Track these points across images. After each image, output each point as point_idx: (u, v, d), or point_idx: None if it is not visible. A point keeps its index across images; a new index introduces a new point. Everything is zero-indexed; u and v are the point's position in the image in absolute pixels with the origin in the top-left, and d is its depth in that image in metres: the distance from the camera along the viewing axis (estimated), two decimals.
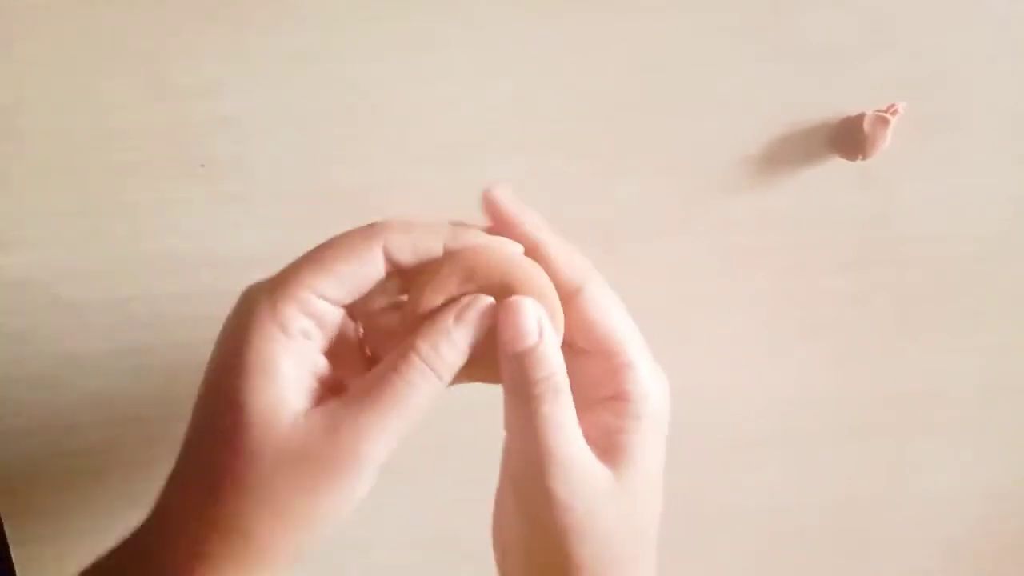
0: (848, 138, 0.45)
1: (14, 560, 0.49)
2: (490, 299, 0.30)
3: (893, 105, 0.44)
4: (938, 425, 0.53)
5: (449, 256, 0.30)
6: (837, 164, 0.46)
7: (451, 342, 0.29)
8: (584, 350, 0.32)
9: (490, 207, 0.32)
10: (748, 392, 0.51)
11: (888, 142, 0.44)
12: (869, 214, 0.48)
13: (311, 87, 0.42)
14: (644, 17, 0.43)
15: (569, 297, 0.31)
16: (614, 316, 0.32)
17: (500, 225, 0.32)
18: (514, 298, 0.29)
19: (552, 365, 0.30)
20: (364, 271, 0.29)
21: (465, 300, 0.30)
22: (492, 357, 0.31)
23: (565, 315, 0.31)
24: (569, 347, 0.31)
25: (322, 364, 0.30)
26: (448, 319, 0.29)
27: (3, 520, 0.48)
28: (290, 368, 0.28)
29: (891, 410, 0.52)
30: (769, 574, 0.56)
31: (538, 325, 0.29)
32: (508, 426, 0.31)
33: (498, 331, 0.30)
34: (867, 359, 0.51)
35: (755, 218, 0.47)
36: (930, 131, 0.46)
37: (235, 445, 0.27)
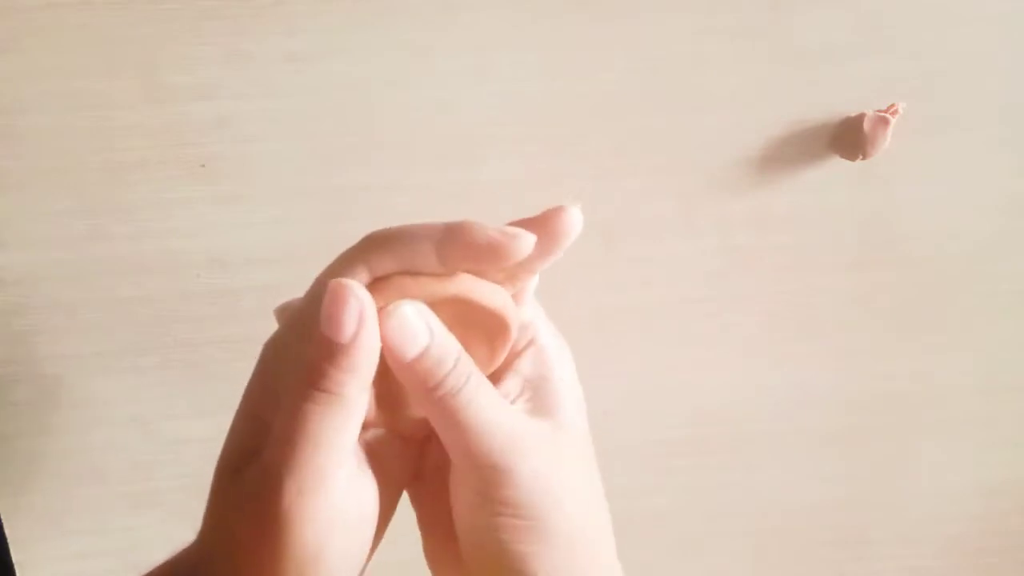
0: (848, 138, 0.45)
1: (14, 560, 0.49)
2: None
3: (893, 105, 0.44)
4: (938, 425, 0.53)
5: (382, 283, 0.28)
6: (837, 164, 0.46)
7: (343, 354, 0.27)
8: None
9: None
10: (748, 392, 0.51)
11: (888, 142, 0.44)
12: (869, 214, 0.48)
13: (311, 88, 0.42)
14: (644, 18, 0.43)
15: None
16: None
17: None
18: (391, 306, 0.27)
19: (451, 356, 0.28)
20: (354, 435, 0.28)
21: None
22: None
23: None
24: None
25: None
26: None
27: (3, 520, 0.48)
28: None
29: (891, 410, 0.52)
30: (769, 573, 0.56)
31: (425, 323, 0.28)
32: (441, 437, 0.29)
33: (385, 340, 0.27)
34: (867, 359, 0.51)
35: (755, 218, 0.47)
36: (930, 131, 0.46)
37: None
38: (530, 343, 0.31)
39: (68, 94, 0.41)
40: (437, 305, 0.29)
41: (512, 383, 0.30)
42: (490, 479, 0.28)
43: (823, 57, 0.44)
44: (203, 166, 0.43)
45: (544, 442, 0.29)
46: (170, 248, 0.44)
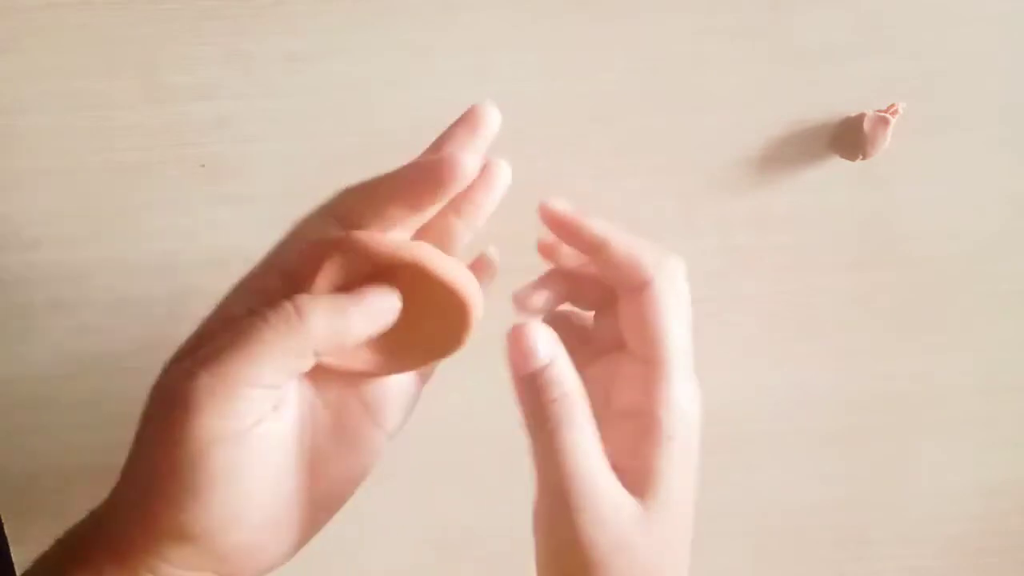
0: (848, 138, 0.45)
1: (14, 560, 0.49)
2: (394, 291, 0.29)
3: (893, 105, 0.44)
4: (938, 425, 0.53)
5: (346, 240, 0.28)
6: (837, 164, 0.46)
7: (342, 313, 0.28)
8: (630, 350, 0.31)
9: (549, 219, 0.31)
10: (748, 392, 0.51)
11: (888, 142, 0.44)
12: (869, 214, 0.48)
13: (311, 88, 0.42)
14: (644, 18, 0.43)
15: (633, 293, 0.30)
16: (668, 321, 0.30)
17: (563, 233, 0.31)
18: (523, 322, 0.29)
19: (566, 383, 0.29)
20: (297, 367, 0.28)
21: (368, 290, 0.29)
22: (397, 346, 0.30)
23: (626, 310, 0.30)
24: (615, 341, 0.31)
25: (281, 431, 0.29)
26: (343, 297, 0.28)
27: (3, 520, 0.48)
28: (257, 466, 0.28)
29: (891, 410, 0.52)
30: (769, 573, 0.56)
31: (548, 345, 0.28)
32: (532, 453, 0.30)
33: (507, 355, 0.29)
34: (867, 359, 0.51)
35: (755, 218, 0.47)
36: (930, 131, 0.46)
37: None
38: (650, 408, 0.30)
39: (68, 94, 0.41)
40: (396, 271, 0.29)
41: (615, 441, 0.29)
42: (563, 530, 0.28)
43: (823, 57, 0.44)
44: (203, 166, 0.43)
45: (627, 525, 0.29)
46: (170, 248, 0.44)
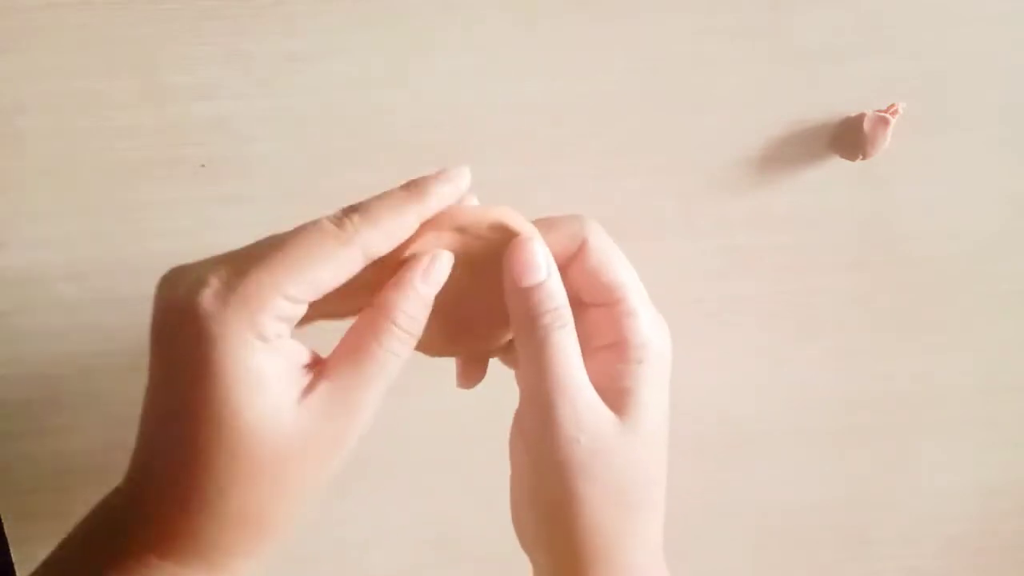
0: (848, 138, 0.45)
1: (14, 560, 0.49)
2: (450, 254, 0.30)
3: (893, 105, 0.44)
4: (938, 424, 0.53)
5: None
6: (837, 164, 0.46)
7: (422, 302, 0.30)
8: (586, 303, 0.33)
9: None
10: (748, 392, 0.51)
11: (888, 142, 0.44)
12: (869, 214, 0.48)
13: (311, 88, 0.42)
14: (644, 18, 0.43)
15: (573, 250, 0.32)
16: (615, 266, 0.32)
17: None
18: (522, 236, 0.31)
19: (559, 299, 0.31)
20: (342, 275, 0.29)
21: (426, 258, 0.30)
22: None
23: (570, 269, 0.32)
24: (573, 301, 0.32)
25: (298, 352, 0.30)
26: (415, 278, 0.30)
27: (3, 520, 0.48)
28: (277, 373, 0.28)
29: (891, 410, 0.52)
30: (769, 573, 0.56)
31: (546, 261, 0.31)
32: (520, 365, 0.32)
33: (506, 267, 0.31)
34: (867, 359, 0.51)
35: (755, 218, 0.47)
36: (930, 131, 0.46)
37: (240, 455, 0.27)
38: (619, 339, 0.32)
39: (68, 94, 0.41)
40: (477, 235, 0.31)
41: (592, 371, 0.31)
42: (543, 433, 0.30)
43: (823, 57, 0.44)
44: (203, 166, 0.43)
45: (605, 429, 0.31)
46: (170, 248, 0.44)
